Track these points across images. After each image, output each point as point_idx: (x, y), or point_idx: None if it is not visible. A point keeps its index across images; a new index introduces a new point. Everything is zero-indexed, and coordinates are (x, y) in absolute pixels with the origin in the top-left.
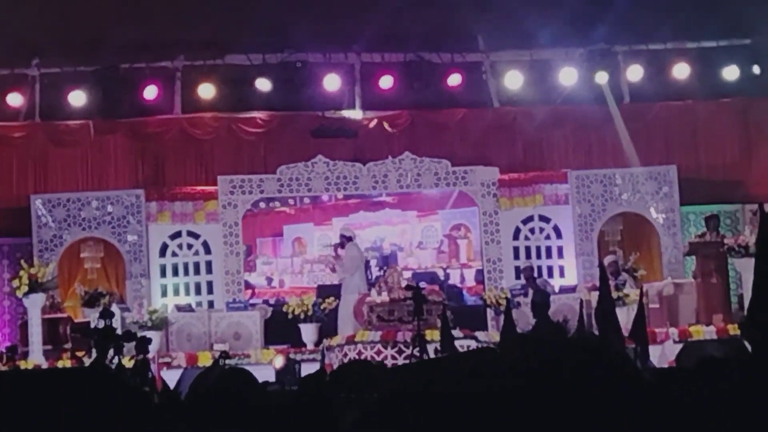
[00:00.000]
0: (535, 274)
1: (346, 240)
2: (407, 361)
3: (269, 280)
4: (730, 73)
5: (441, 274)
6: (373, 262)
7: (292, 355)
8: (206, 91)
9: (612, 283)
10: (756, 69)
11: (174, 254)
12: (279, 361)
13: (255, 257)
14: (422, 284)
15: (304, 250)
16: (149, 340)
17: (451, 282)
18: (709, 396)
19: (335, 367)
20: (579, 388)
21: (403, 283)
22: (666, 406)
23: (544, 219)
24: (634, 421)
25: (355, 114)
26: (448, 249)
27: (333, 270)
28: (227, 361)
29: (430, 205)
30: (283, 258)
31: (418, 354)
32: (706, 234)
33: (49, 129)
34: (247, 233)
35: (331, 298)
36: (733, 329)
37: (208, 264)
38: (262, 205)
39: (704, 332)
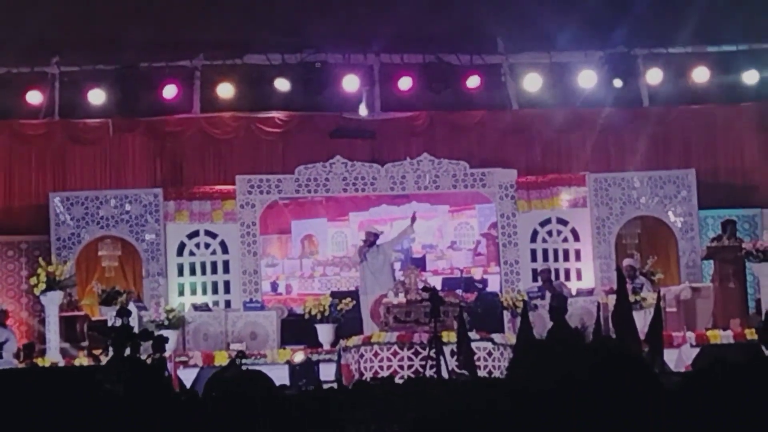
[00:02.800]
0: (553, 277)
1: (375, 238)
2: (423, 363)
3: (274, 285)
4: (750, 77)
5: (477, 279)
6: (396, 265)
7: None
8: (225, 90)
9: (629, 286)
10: None
11: (191, 253)
12: (299, 357)
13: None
14: (459, 292)
15: (315, 251)
16: (166, 339)
17: (489, 289)
18: (726, 400)
19: (351, 367)
20: (597, 392)
21: (420, 285)
22: (683, 410)
23: (562, 222)
24: (651, 424)
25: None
26: (486, 250)
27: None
28: (243, 361)
29: (464, 199)
30: (291, 259)
31: (434, 356)
32: (723, 238)
33: (68, 127)
34: None
35: (348, 299)
36: (751, 334)
37: (226, 263)
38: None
39: (721, 337)
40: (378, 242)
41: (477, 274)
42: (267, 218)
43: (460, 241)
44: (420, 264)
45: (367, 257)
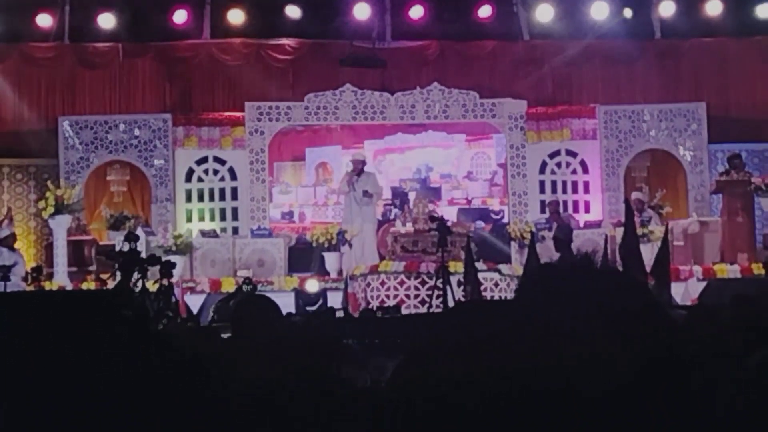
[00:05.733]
0: (561, 209)
1: (363, 165)
2: (429, 293)
3: (289, 213)
4: (763, 10)
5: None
6: (411, 195)
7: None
8: (236, 16)
9: (637, 219)
10: None
11: (200, 179)
12: (314, 286)
13: (271, 185)
14: (479, 223)
15: (329, 178)
16: (173, 265)
17: (505, 220)
18: (737, 333)
19: (358, 296)
20: (603, 318)
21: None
22: (691, 342)
23: (571, 153)
24: (658, 355)
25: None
26: (503, 181)
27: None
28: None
29: (481, 128)
30: (305, 187)
31: (441, 286)
32: (732, 172)
33: (78, 51)
34: None
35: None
36: (758, 268)
37: (234, 190)
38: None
39: (728, 271)
40: (366, 169)
41: (494, 204)
42: (281, 145)
43: (477, 172)
44: (436, 194)
45: (355, 187)
